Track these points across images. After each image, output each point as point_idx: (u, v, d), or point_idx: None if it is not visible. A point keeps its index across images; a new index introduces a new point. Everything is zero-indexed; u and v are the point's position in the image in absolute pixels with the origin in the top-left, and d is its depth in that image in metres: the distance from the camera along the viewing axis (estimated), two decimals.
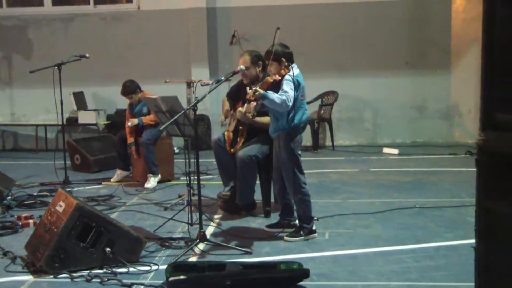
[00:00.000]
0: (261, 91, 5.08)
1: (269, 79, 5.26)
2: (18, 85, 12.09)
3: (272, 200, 6.51)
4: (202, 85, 6.54)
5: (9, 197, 7.12)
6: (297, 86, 5.29)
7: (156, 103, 5.78)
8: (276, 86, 5.26)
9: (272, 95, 5.11)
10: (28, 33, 12.06)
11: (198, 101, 5.19)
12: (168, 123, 5.29)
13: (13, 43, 12.08)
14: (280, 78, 5.26)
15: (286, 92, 5.16)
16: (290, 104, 5.17)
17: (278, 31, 5.44)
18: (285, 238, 5.47)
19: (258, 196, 6.43)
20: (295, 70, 5.35)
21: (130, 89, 8.27)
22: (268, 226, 5.82)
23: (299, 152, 5.49)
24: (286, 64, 5.31)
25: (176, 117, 5.25)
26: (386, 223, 5.98)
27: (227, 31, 11.53)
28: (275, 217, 6.06)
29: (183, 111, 5.24)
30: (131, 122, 8.25)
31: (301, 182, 5.45)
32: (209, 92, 5.42)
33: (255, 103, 5.38)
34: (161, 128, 5.45)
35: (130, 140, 8.32)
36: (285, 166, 5.45)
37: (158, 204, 7.03)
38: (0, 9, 12.18)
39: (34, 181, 8.45)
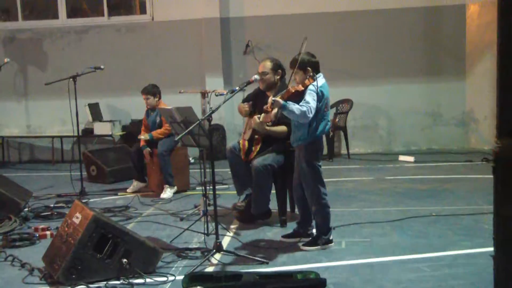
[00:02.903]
0: (281, 101, 5.00)
1: (291, 89, 5.15)
2: (34, 97, 12.18)
3: (288, 209, 6.50)
4: (216, 95, 6.54)
5: (26, 209, 7.14)
6: (320, 97, 5.21)
7: (171, 114, 5.79)
8: (300, 96, 5.16)
9: (292, 105, 5.02)
10: (43, 46, 12.15)
11: (213, 111, 5.19)
12: (183, 133, 5.30)
13: (29, 55, 12.17)
14: (303, 88, 5.15)
15: (307, 103, 5.07)
16: (311, 115, 5.08)
17: (305, 41, 5.33)
18: (302, 247, 5.45)
19: (274, 205, 6.42)
20: (320, 80, 5.25)
21: (149, 89, 8.40)
22: (284, 236, 5.79)
23: (320, 163, 5.45)
24: (311, 74, 5.20)
25: (191, 127, 5.26)
26: (402, 231, 5.95)
27: (241, 41, 11.56)
28: (291, 226, 6.05)
29: (198, 122, 5.25)
30: (144, 136, 8.37)
31: (321, 193, 5.40)
32: (224, 102, 5.44)
33: (273, 112, 5.36)
34: (176, 139, 5.45)
35: (142, 143, 8.42)
36: (305, 176, 5.41)
37: (174, 214, 7.03)
38: (16, 22, 12.29)
39: (50, 192, 8.50)
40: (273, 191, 6.34)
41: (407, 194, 7.69)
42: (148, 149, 8.34)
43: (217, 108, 5.23)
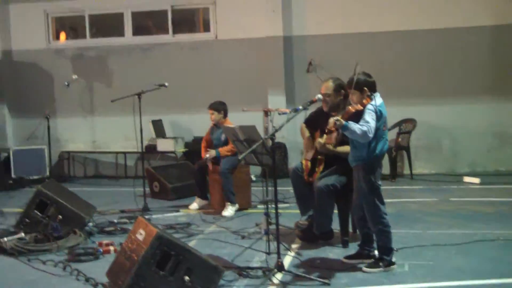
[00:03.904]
0: (342, 121, 5.02)
1: (351, 109, 5.16)
2: (99, 113, 12.44)
3: (350, 230, 6.43)
4: (279, 114, 6.55)
5: (90, 224, 7.28)
6: (379, 116, 5.21)
7: (233, 132, 5.82)
8: (358, 116, 5.17)
9: (353, 125, 5.03)
10: (109, 63, 12.41)
11: (276, 131, 5.20)
12: (247, 152, 5.31)
13: (95, 72, 12.44)
14: (361, 107, 5.17)
15: (367, 122, 5.08)
16: (371, 135, 5.09)
17: (358, 66, 5.32)
18: (364, 269, 5.39)
19: (336, 226, 6.36)
20: (377, 99, 5.25)
21: (216, 105, 8.48)
22: (346, 257, 5.74)
23: (379, 182, 5.40)
24: (369, 93, 5.22)
25: (254, 146, 5.27)
26: (468, 255, 5.80)
27: (304, 59, 11.56)
28: (353, 247, 5.98)
29: (261, 141, 5.26)
30: (210, 154, 8.38)
31: (381, 212, 5.37)
32: (287, 121, 5.45)
33: (335, 134, 5.32)
34: (239, 158, 5.48)
35: (204, 155, 8.48)
36: (365, 196, 5.39)
37: (236, 232, 7.04)
38: (84, 40, 12.63)
39: (114, 208, 8.62)
40: (336, 211, 6.28)
41: (472, 217, 7.51)
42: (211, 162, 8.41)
43: (280, 128, 5.24)
